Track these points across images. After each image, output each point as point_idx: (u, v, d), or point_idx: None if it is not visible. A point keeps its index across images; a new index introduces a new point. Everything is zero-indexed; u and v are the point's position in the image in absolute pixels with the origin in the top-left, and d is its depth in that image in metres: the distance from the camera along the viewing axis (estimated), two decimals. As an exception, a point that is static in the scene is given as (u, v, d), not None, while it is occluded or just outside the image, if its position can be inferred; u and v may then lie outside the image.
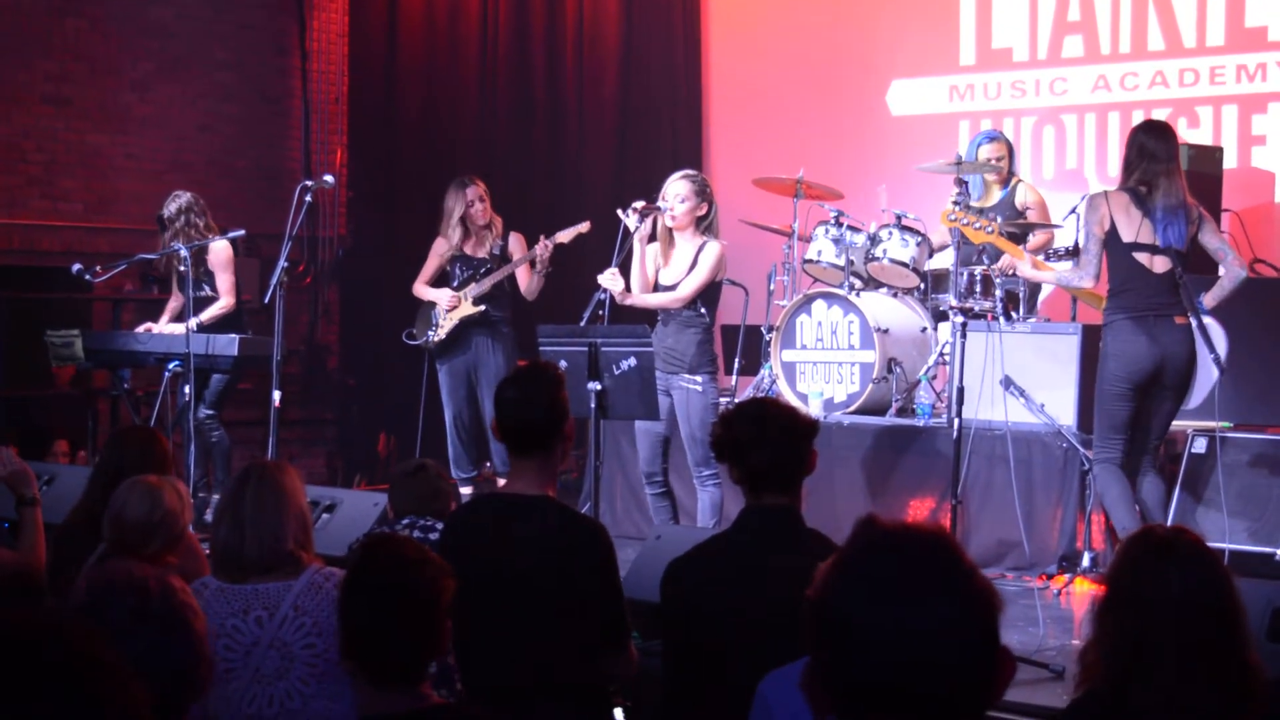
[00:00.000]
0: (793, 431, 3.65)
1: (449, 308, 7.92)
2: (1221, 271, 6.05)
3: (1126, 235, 5.91)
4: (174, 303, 8.08)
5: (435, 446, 8.20)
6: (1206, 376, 5.99)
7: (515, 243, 8.01)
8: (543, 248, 7.76)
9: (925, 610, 1.51)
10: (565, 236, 7.76)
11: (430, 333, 8.01)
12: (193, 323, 7.64)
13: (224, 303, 7.85)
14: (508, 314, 8.03)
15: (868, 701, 1.53)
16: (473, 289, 7.92)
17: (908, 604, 1.51)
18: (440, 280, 8.11)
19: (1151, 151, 5.91)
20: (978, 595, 1.55)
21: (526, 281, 7.90)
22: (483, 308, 7.91)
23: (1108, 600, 2.79)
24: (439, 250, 8.07)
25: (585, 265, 8.36)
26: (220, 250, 7.84)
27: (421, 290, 8.09)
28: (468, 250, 8.01)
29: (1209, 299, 5.96)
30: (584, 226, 7.73)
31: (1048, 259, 7.36)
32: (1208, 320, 6.00)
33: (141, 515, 3.88)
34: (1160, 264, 5.90)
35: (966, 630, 1.53)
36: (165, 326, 7.96)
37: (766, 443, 3.60)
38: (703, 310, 6.49)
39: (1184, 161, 6.33)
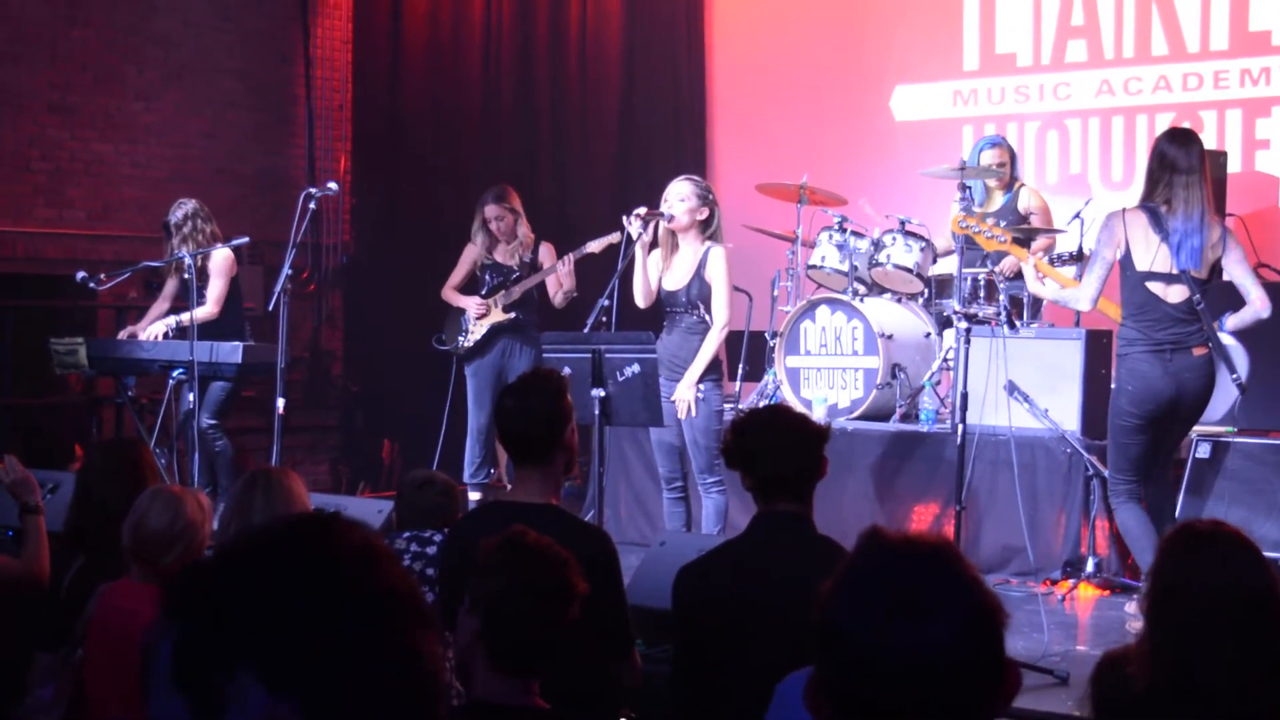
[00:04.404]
0: (805, 439, 3.66)
1: (478, 315, 7.96)
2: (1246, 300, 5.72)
3: (1142, 262, 5.58)
4: (158, 307, 8.07)
5: (449, 452, 8.20)
6: (1226, 395, 5.78)
7: (545, 252, 8.04)
8: (563, 264, 7.76)
9: (930, 629, 1.50)
10: (596, 247, 7.71)
11: (461, 338, 8.04)
12: (173, 320, 7.72)
13: (207, 309, 7.79)
14: (536, 320, 8.05)
15: (870, 714, 1.52)
16: (501, 297, 7.96)
17: (913, 623, 1.50)
18: (470, 285, 8.13)
19: (1172, 161, 5.53)
20: (982, 612, 1.54)
21: (555, 289, 7.89)
22: (513, 314, 7.95)
23: (1155, 595, 2.82)
24: (469, 256, 8.11)
25: (588, 273, 8.36)
26: (220, 257, 7.83)
27: (450, 295, 8.12)
28: (499, 258, 8.04)
29: (1231, 321, 5.69)
30: (614, 237, 7.60)
31: (1050, 264, 7.35)
32: (1228, 340, 5.75)
33: (163, 526, 3.84)
34: (1176, 293, 5.57)
35: (971, 648, 1.52)
36: (149, 329, 7.91)
37: (779, 451, 3.61)
38: (707, 317, 6.45)
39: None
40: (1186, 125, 8.59)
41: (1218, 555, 2.77)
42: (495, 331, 8.00)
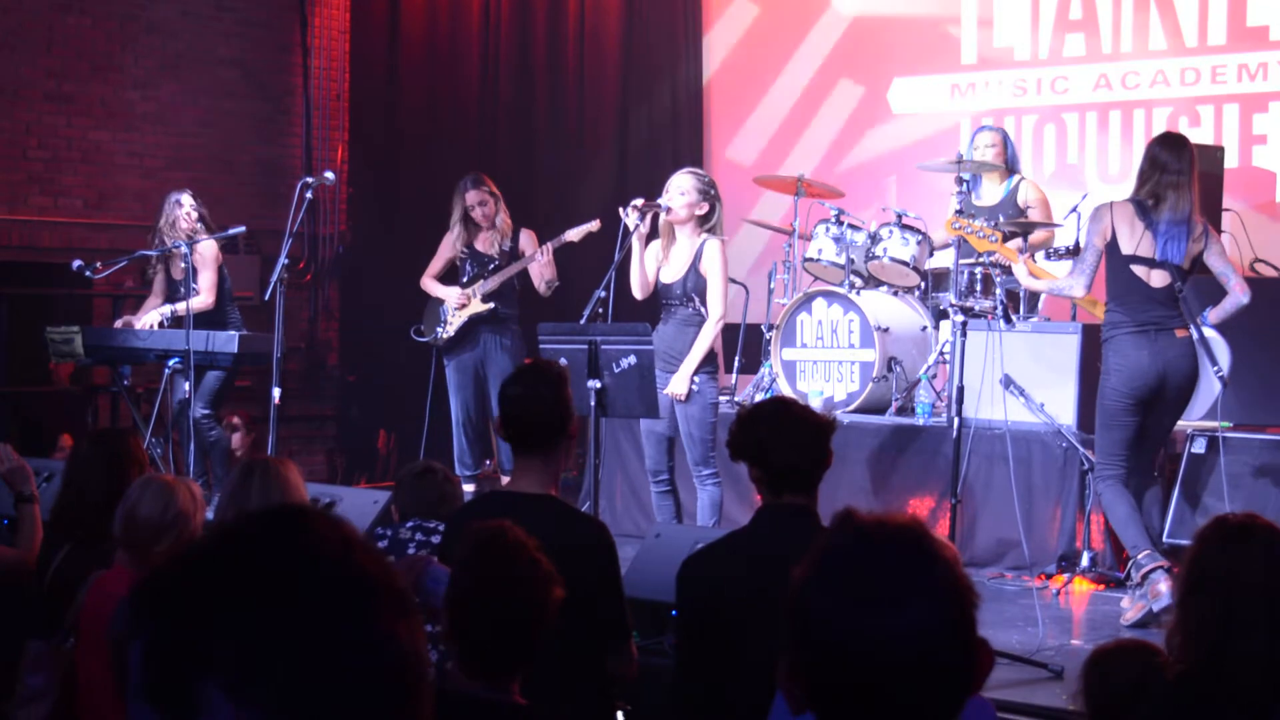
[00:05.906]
0: (814, 432, 3.64)
1: (458, 306, 7.90)
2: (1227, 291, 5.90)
3: (1126, 247, 5.81)
4: (153, 300, 8.07)
5: (439, 443, 8.19)
6: (1209, 389, 5.91)
7: (526, 240, 7.94)
8: (542, 253, 7.71)
9: (900, 610, 1.50)
10: (575, 235, 7.68)
11: (439, 329, 7.97)
12: (168, 309, 7.72)
13: (203, 299, 7.80)
14: (516, 311, 7.98)
15: (843, 699, 1.52)
16: (480, 286, 7.89)
17: (882, 604, 1.50)
18: (449, 274, 8.08)
19: (1163, 163, 5.79)
20: (953, 591, 1.53)
21: (539, 279, 7.85)
22: (491, 305, 7.88)
23: (1192, 585, 2.87)
24: (448, 245, 8.05)
25: (585, 264, 8.35)
26: (204, 248, 7.82)
27: (429, 285, 8.06)
28: (478, 246, 7.98)
29: (1213, 315, 5.87)
30: (594, 225, 7.61)
31: (1048, 257, 7.37)
32: (1210, 333, 5.89)
33: (154, 514, 3.83)
34: (1158, 278, 5.79)
35: (942, 628, 1.51)
36: (145, 319, 7.91)
37: (789, 443, 3.59)
38: (702, 309, 6.44)
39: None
40: (1187, 121, 8.64)
41: (1255, 547, 2.85)
42: (474, 323, 7.92)
